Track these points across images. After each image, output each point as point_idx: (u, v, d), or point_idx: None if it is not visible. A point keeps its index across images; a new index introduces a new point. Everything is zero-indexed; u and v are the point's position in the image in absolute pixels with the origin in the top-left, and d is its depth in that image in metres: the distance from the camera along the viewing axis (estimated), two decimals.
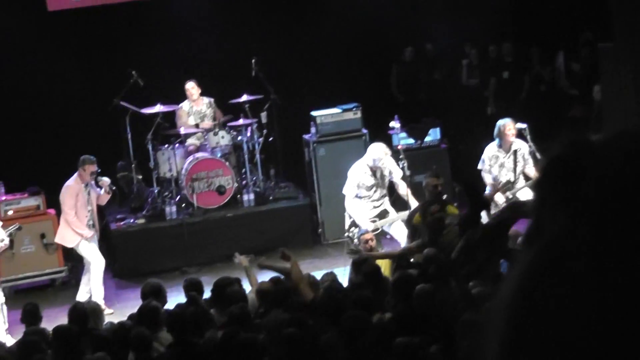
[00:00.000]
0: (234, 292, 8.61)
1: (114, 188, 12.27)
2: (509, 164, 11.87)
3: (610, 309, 1.09)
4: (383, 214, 11.67)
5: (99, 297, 11.52)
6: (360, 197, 11.64)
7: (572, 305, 1.10)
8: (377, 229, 11.48)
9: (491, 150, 11.95)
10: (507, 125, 11.78)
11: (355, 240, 11.31)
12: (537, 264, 1.15)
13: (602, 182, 1.15)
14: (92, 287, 11.76)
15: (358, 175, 11.65)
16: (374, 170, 11.66)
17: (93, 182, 11.99)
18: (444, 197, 10.90)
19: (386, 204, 11.81)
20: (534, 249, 1.16)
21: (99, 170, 12.04)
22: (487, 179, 11.97)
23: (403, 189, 11.73)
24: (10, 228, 11.30)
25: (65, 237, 11.95)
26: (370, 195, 11.65)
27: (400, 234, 11.48)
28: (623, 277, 1.10)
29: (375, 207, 11.67)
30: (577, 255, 1.11)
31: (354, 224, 11.59)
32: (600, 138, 1.22)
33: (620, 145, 1.19)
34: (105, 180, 12.09)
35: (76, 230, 11.79)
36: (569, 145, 1.22)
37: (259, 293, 8.60)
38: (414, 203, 11.44)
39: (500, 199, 11.82)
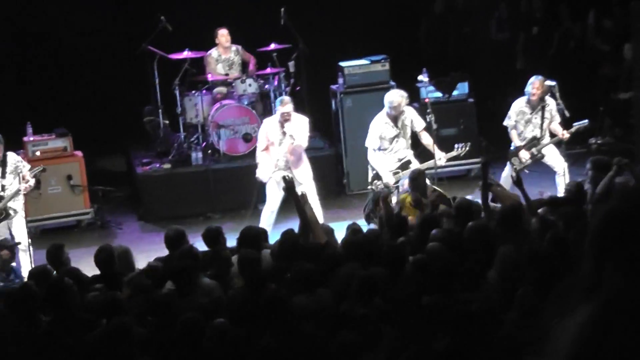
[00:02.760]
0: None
1: (294, 138, 11.62)
2: (536, 120, 11.83)
3: None
4: (406, 165, 11.58)
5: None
6: (382, 150, 11.58)
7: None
8: (399, 181, 11.42)
9: (518, 105, 11.89)
10: (536, 83, 11.73)
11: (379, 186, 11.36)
12: (601, 318, 1.12)
13: None
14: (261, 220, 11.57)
15: (379, 126, 11.55)
16: (394, 119, 11.53)
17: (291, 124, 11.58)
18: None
19: (409, 155, 11.73)
20: (597, 302, 1.13)
21: (288, 112, 11.59)
22: (513, 135, 11.93)
23: (427, 140, 11.64)
24: (34, 170, 11.36)
25: (259, 170, 11.78)
26: (393, 147, 11.58)
27: None
28: None
29: (398, 160, 11.60)
30: None
31: (377, 177, 11.57)
32: None
33: None
34: (288, 127, 11.57)
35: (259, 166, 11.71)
36: (629, 199, 1.19)
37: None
38: (438, 154, 11.41)
39: (525, 155, 11.81)
